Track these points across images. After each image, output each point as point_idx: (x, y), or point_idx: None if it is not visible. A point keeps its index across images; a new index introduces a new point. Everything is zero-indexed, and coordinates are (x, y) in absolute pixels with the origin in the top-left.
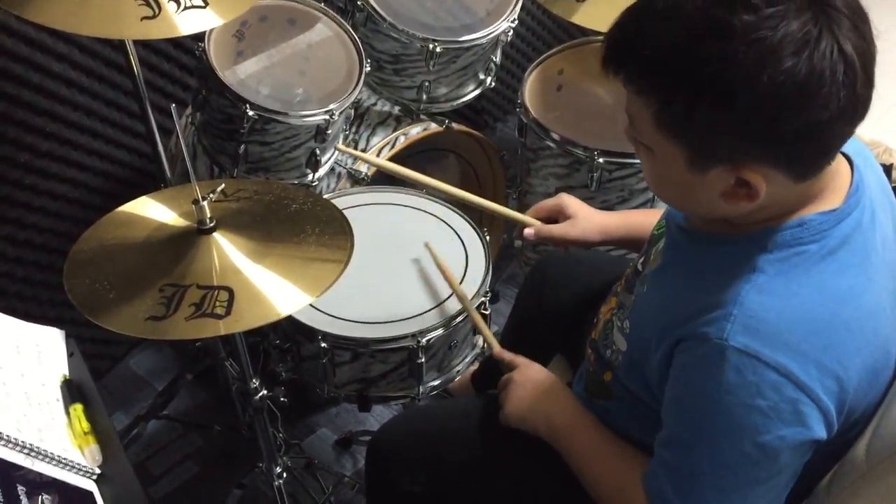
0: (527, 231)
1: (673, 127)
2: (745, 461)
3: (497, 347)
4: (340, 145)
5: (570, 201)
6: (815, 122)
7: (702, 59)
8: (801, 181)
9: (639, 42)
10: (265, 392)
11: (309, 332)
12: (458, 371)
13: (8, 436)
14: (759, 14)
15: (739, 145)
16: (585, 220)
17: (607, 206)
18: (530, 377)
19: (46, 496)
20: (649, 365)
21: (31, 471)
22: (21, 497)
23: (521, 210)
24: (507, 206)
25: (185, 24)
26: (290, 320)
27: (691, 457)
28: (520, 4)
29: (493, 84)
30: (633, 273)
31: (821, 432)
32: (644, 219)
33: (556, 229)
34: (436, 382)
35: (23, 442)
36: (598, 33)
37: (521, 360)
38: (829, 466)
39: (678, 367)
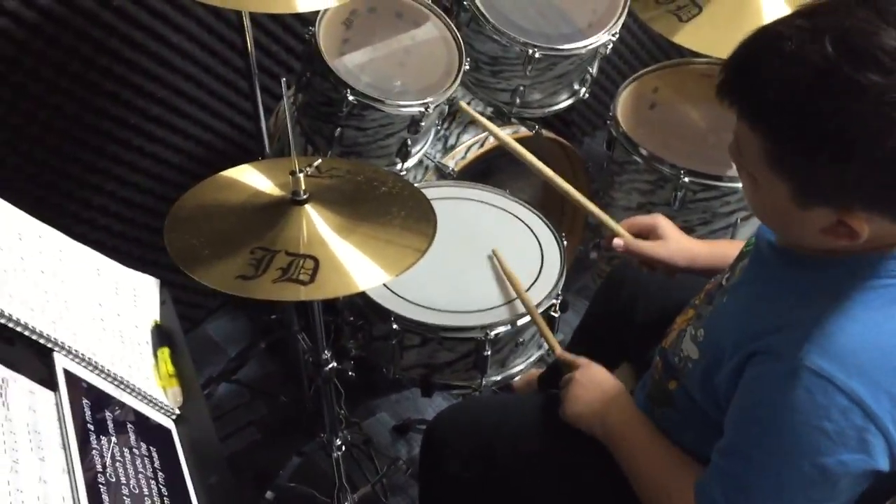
0: (616, 241)
1: (782, 167)
2: (801, 480)
3: (559, 350)
4: (464, 103)
5: (664, 222)
6: None
7: (825, 113)
8: None
9: (759, 82)
10: (335, 364)
11: (382, 313)
12: (521, 370)
13: (103, 366)
14: (891, 77)
15: (848, 196)
16: (677, 243)
17: (688, 228)
18: (592, 377)
19: (130, 426)
20: (720, 375)
21: (119, 402)
22: (108, 425)
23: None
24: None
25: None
26: (366, 299)
27: (748, 469)
28: (623, 19)
29: (587, 96)
30: (715, 287)
31: (884, 463)
32: (732, 252)
33: (646, 246)
34: (497, 378)
35: (115, 374)
36: (697, 55)
37: (582, 360)
38: (884, 500)
39: (749, 378)
